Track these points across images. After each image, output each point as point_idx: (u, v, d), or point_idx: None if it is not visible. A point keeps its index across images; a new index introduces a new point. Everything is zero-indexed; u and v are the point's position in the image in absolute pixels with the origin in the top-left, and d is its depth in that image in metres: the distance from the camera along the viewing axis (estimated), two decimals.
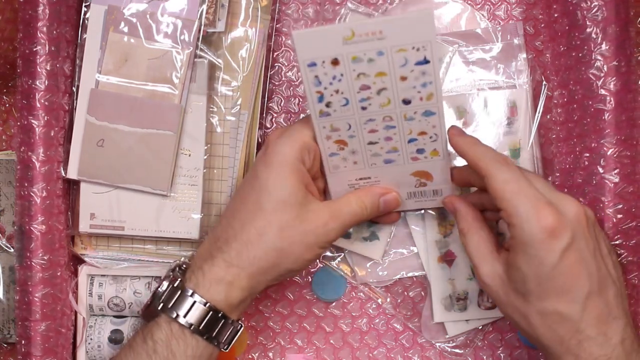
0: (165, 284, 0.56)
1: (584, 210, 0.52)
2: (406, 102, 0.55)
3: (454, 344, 0.68)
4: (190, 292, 0.55)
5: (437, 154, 0.58)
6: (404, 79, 0.54)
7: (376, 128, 0.56)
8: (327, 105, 0.55)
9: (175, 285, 0.56)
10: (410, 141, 0.57)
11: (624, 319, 0.52)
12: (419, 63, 0.53)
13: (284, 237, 0.55)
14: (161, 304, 0.55)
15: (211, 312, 0.54)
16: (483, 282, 0.55)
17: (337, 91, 0.54)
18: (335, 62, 0.53)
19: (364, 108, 0.55)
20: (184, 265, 0.59)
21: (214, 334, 0.55)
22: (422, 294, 0.69)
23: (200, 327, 0.54)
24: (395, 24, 0.52)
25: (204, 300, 0.54)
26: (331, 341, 0.70)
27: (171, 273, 0.58)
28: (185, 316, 0.54)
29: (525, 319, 0.52)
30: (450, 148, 0.57)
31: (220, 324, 0.55)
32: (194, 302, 0.54)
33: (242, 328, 0.58)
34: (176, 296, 0.55)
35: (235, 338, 0.57)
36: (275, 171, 0.55)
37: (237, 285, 0.55)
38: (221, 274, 0.55)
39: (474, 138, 0.57)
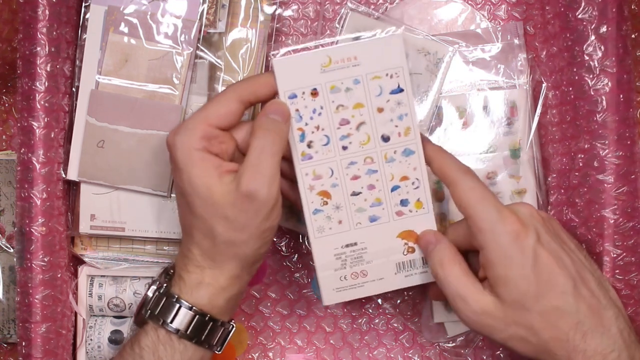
0: (151, 290, 0.56)
1: (535, 210, 0.55)
2: (385, 138, 0.56)
3: (454, 344, 0.68)
4: (175, 297, 0.54)
5: (421, 206, 0.58)
6: (380, 110, 0.55)
7: (358, 174, 0.57)
8: (309, 145, 0.56)
9: (161, 291, 0.56)
10: (393, 189, 0.58)
11: (614, 309, 0.53)
12: (393, 92, 0.55)
13: (227, 228, 0.53)
14: (148, 311, 0.55)
15: (198, 316, 0.54)
16: (477, 312, 0.53)
17: (317, 127, 0.56)
18: (314, 92, 0.54)
19: (344, 147, 0.56)
20: (172, 270, 0.58)
21: (203, 337, 0.55)
22: (422, 294, 0.69)
23: (188, 332, 0.54)
24: (367, 47, 0.54)
25: (189, 305, 0.54)
26: (331, 341, 0.70)
27: (158, 279, 0.58)
28: (172, 322, 0.54)
29: (529, 328, 0.52)
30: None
31: (209, 327, 0.55)
32: (180, 307, 0.54)
33: (234, 329, 0.57)
34: (162, 302, 0.55)
35: (228, 338, 0.57)
36: (185, 172, 0.53)
37: (216, 286, 0.55)
38: (198, 278, 0.55)
39: (438, 146, 0.58)
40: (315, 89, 0.55)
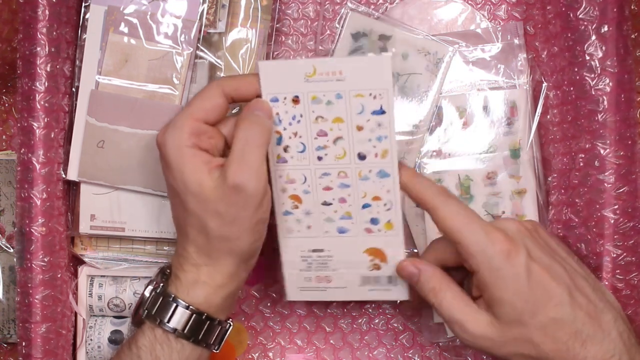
0: (148, 290, 0.56)
1: (522, 224, 0.54)
2: (361, 156, 0.56)
3: (454, 344, 0.68)
4: (172, 296, 0.55)
5: (391, 227, 0.58)
6: (360, 128, 0.55)
7: (331, 185, 0.57)
8: (285, 149, 0.56)
9: (157, 291, 0.56)
10: (364, 207, 0.57)
11: (612, 312, 0.53)
12: (375, 112, 0.54)
13: (219, 223, 0.53)
14: (145, 311, 0.55)
15: (195, 315, 0.54)
16: (475, 335, 0.53)
17: (295, 134, 0.56)
18: (295, 100, 0.54)
19: (319, 158, 0.56)
20: (168, 270, 0.58)
21: (200, 336, 0.55)
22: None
23: (185, 331, 0.54)
24: (354, 64, 0.53)
25: (186, 304, 0.54)
26: (331, 341, 0.70)
27: (155, 279, 0.58)
28: (169, 321, 0.54)
29: (529, 342, 0.52)
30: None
31: (206, 326, 0.55)
32: (176, 306, 0.54)
33: (231, 327, 0.57)
34: (159, 302, 0.55)
35: (226, 337, 0.57)
36: (176, 170, 0.53)
37: (213, 284, 0.55)
38: (194, 277, 0.55)
39: (413, 170, 0.57)
40: (297, 97, 0.54)
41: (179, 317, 0.54)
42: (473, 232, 0.52)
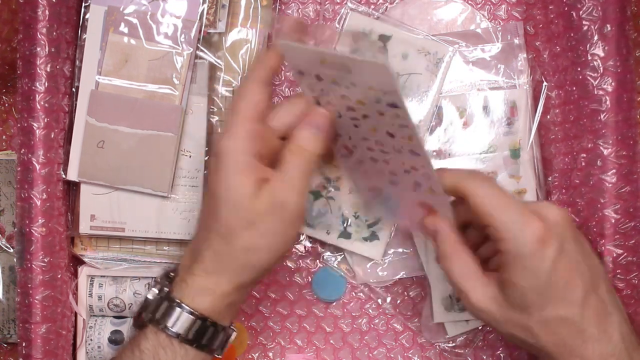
0: (152, 293, 0.56)
1: (565, 213, 0.53)
2: (390, 134, 0.54)
3: (454, 344, 0.68)
4: (177, 301, 0.54)
5: (433, 193, 0.56)
6: (381, 114, 0.52)
7: (373, 147, 0.56)
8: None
9: (162, 295, 0.55)
10: (405, 171, 0.56)
11: (619, 315, 0.53)
12: (390, 105, 0.51)
13: (251, 234, 0.53)
14: (149, 315, 0.55)
15: (199, 321, 0.54)
16: (477, 308, 0.53)
17: (328, 102, 0.54)
18: (318, 77, 0.53)
19: (356, 126, 0.55)
20: (172, 273, 0.58)
21: (204, 341, 0.55)
22: (422, 294, 0.69)
23: (189, 336, 0.54)
24: (356, 64, 0.49)
25: (191, 309, 0.54)
26: (331, 341, 0.70)
27: (159, 282, 0.57)
28: (173, 326, 0.54)
29: (528, 330, 0.52)
30: None
31: (210, 332, 0.55)
32: (181, 312, 0.54)
33: (234, 333, 0.57)
34: (163, 306, 0.54)
35: (229, 342, 0.57)
36: (223, 175, 0.53)
37: (220, 292, 0.54)
38: (202, 283, 0.54)
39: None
40: (319, 75, 0.53)
41: (183, 322, 0.54)
42: (507, 216, 0.51)
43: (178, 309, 0.54)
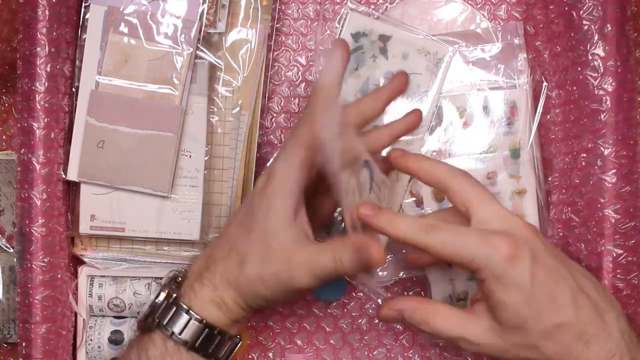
0: (160, 298, 0.55)
1: (532, 227, 0.53)
2: None
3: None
4: (186, 308, 0.54)
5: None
6: None
7: None
8: None
9: (170, 300, 0.55)
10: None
11: (614, 311, 0.53)
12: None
13: (264, 268, 0.53)
14: (156, 320, 0.55)
15: (207, 330, 0.54)
16: (479, 344, 0.52)
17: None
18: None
19: None
20: (179, 278, 0.58)
21: (211, 349, 0.55)
22: (422, 294, 0.69)
23: (197, 345, 0.54)
24: None
25: (200, 318, 0.54)
26: (331, 341, 0.70)
27: (167, 286, 0.56)
28: (180, 333, 0.53)
29: (533, 348, 0.51)
30: None
31: (217, 340, 0.55)
32: (189, 319, 0.54)
33: (241, 342, 0.57)
34: (171, 312, 0.54)
35: (235, 351, 0.57)
36: (269, 201, 0.53)
37: (228, 305, 0.54)
38: (210, 294, 0.54)
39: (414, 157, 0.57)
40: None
41: (191, 330, 0.53)
42: (469, 249, 0.50)
43: (186, 316, 0.54)
